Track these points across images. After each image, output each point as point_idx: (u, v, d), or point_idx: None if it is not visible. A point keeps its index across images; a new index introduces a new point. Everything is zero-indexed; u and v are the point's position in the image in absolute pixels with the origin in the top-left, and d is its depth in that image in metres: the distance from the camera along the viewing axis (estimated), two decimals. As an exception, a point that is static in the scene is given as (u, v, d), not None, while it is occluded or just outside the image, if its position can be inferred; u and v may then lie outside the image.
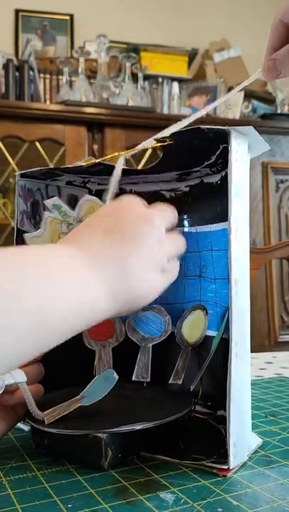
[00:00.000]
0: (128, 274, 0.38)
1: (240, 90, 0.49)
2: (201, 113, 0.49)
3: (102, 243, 0.38)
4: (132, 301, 0.39)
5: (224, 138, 0.43)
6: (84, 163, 0.51)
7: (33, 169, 0.54)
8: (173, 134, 0.45)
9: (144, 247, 0.39)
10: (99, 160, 0.51)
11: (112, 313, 0.38)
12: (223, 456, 0.41)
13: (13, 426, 0.45)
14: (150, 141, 0.48)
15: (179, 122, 0.47)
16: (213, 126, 0.42)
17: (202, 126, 0.42)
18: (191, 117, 0.48)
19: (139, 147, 0.49)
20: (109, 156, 0.52)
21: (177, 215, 0.46)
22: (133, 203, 0.43)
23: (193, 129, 0.43)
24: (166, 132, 0.47)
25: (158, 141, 0.46)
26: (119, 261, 0.38)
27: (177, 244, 0.45)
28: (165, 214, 0.44)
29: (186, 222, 0.56)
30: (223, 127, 0.42)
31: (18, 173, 0.55)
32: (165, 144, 0.46)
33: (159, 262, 0.41)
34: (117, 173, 0.48)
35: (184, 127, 0.45)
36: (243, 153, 0.43)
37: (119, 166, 0.48)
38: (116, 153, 0.49)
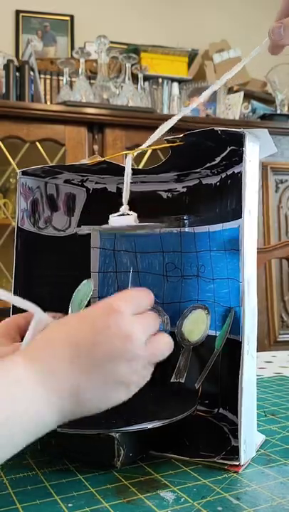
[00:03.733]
0: (83, 402, 0.37)
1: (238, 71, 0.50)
2: (200, 99, 0.49)
3: (65, 369, 0.36)
4: (81, 415, 0.38)
5: (235, 140, 0.43)
6: (89, 161, 0.51)
7: (35, 167, 0.54)
8: (185, 135, 0.45)
9: (111, 372, 0.37)
10: (104, 158, 0.51)
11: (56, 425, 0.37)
12: (232, 453, 0.41)
13: None
14: (152, 139, 0.47)
15: (168, 120, 0.47)
16: (225, 128, 0.43)
17: (216, 128, 0.42)
18: (181, 113, 0.48)
19: (146, 146, 0.48)
20: (114, 155, 0.51)
21: (152, 296, 0.43)
22: (116, 316, 0.38)
23: (207, 131, 0.43)
24: (162, 131, 0.47)
25: (168, 141, 0.46)
26: (76, 392, 0.36)
27: (157, 347, 0.41)
28: (148, 320, 0.41)
29: (184, 223, 0.56)
30: (238, 129, 0.42)
31: (19, 170, 0.55)
32: (175, 144, 0.46)
33: (122, 381, 0.38)
34: (128, 174, 0.48)
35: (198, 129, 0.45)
36: (255, 154, 0.44)
37: (128, 166, 0.47)
38: (122, 152, 0.49)
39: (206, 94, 0.49)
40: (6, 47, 2.26)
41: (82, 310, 0.53)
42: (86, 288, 0.54)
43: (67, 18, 2.39)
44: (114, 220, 0.47)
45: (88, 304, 0.55)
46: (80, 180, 0.59)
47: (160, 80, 2.23)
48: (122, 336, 0.38)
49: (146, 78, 2.19)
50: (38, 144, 1.90)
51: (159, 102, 2.22)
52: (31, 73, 1.99)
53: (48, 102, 2.09)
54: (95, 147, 1.93)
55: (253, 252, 0.43)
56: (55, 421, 0.36)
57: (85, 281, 0.55)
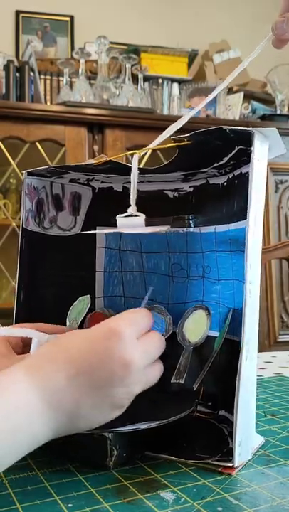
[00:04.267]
0: (78, 420, 0.37)
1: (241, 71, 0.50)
2: (207, 99, 0.49)
3: (64, 386, 0.36)
4: (72, 432, 0.38)
5: (243, 139, 0.43)
6: (95, 162, 0.51)
7: (41, 167, 0.54)
8: (192, 134, 0.44)
9: (109, 395, 0.38)
10: (110, 158, 0.51)
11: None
12: (227, 455, 0.41)
13: None
14: (159, 139, 0.47)
15: (177, 121, 0.47)
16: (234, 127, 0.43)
17: (224, 127, 0.42)
18: (191, 112, 0.48)
19: (153, 146, 0.48)
20: (120, 155, 0.51)
21: (151, 319, 0.43)
22: (117, 341, 0.38)
23: (214, 130, 0.43)
24: (169, 132, 0.46)
25: (175, 140, 0.46)
26: (73, 410, 0.37)
27: (153, 374, 0.42)
28: (149, 345, 0.41)
29: (190, 223, 0.56)
30: (247, 128, 0.42)
31: (25, 171, 0.55)
32: (182, 144, 0.46)
33: (118, 404, 0.39)
34: (134, 174, 0.47)
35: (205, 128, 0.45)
36: (264, 154, 0.43)
37: (135, 166, 0.47)
38: (129, 152, 0.49)
39: (217, 90, 0.50)
40: (6, 47, 2.26)
41: (76, 325, 0.53)
42: (82, 304, 0.54)
43: (67, 18, 2.39)
44: (122, 222, 0.46)
45: (83, 320, 0.55)
46: (86, 180, 0.59)
47: (160, 81, 2.24)
48: (121, 362, 0.38)
49: (146, 78, 2.19)
50: (38, 144, 1.90)
51: (159, 103, 2.22)
52: (31, 74, 2.00)
53: (48, 103, 2.09)
54: (95, 148, 1.93)
55: (258, 254, 0.43)
56: (48, 437, 0.36)
57: (81, 298, 0.54)
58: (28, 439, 0.35)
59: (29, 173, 0.55)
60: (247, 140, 0.42)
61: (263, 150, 0.43)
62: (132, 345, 0.39)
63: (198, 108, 0.48)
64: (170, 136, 0.47)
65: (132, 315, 0.42)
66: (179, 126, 0.47)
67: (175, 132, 0.47)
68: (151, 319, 0.43)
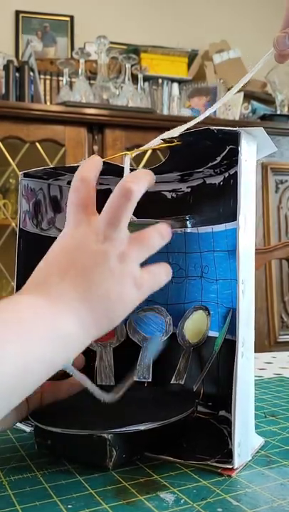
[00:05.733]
0: (93, 305, 0.37)
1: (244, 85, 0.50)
2: (214, 108, 0.49)
3: (59, 285, 0.37)
4: (107, 325, 0.38)
5: (232, 139, 0.43)
6: None
7: (37, 169, 0.54)
8: (181, 135, 0.45)
9: (102, 273, 0.38)
10: (103, 160, 0.51)
11: (89, 342, 0.37)
12: (227, 456, 0.41)
13: (21, 419, 0.46)
14: (156, 141, 0.47)
15: (185, 124, 0.47)
16: (221, 127, 0.43)
17: (212, 127, 0.42)
18: (201, 116, 0.48)
19: (145, 147, 0.48)
20: (114, 156, 0.51)
21: (154, 177, 0.43)
22: (86, 231, 0.40)
23: (203, 130, 0.43)
24: (174, 133, 0.46)
25: (165, 141, 0.46)
26: (80, 298, 0.37)
27: (143, 251, 0.42)
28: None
29: (188, 223, 0.56)
30: (234, 128, 0.42)
31: (21, 172, 0.55)
32: (173, 144, 0.46)
33: (128, 279, 0.38)
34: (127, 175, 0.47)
35: (191, 128, 0.45)
36: (252, 153, 0.43)
37: (127, 166, 0.47)
38: (121, 153, 0.49)
39: (223, 100, 0.50)
40: (5, 47, 2.26)
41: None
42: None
43: (67, 18, 2.39)
44: None
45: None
46: None
47: (160, 81, 2.24)
48: (111, 250, 0.38)
49: (146, 78, 2.19)
50: (37, 144, 1.90)
51: (159, 103, 2.22)
52: (31, 74, 2.00)
53: (48, 103, 2.09)
54: (95, 148, 1.93)
55: (250, 253, 0.43)
56: (77, 330, 0.36)
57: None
58: (58, 336, 0.35)
59: (25, 175, 0.55)
60: (236, 140, 0.42)
61: (251, 150, 0.43)
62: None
63: (205, 115, 0.48)
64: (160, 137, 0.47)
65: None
66: (184, 129, 0.47)
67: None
68: (152, 180, 0.43)
